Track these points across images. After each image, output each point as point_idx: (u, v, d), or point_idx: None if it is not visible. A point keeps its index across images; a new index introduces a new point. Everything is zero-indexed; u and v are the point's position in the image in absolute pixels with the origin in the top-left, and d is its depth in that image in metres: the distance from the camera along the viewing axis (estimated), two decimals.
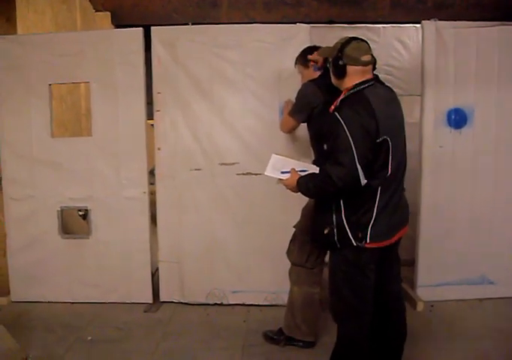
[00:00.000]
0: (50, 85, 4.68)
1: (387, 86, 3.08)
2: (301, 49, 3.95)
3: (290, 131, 4.07)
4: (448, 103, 4.48)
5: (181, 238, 4.63)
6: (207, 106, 4.49)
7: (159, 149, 4.57)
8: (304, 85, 3.68)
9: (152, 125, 4.74)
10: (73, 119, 6.00)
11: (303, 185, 2.97)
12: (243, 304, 4.63)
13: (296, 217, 3.97)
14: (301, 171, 3.07)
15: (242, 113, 4.50)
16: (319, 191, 2.93)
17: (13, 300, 4.85)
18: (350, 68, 2.93)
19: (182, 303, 4.68)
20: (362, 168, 2.75)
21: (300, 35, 4.39)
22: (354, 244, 2.89)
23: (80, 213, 5.39)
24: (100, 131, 4.60)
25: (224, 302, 4.65)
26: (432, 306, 4.53)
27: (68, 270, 4.73)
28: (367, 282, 3.02)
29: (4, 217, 4.81)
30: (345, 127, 2.76)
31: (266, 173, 3.19)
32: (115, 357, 3.82)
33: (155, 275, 4.80)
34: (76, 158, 4.65)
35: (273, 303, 4.59)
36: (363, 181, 2.78)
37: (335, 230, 2.92)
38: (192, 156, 4.54)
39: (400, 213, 3.05)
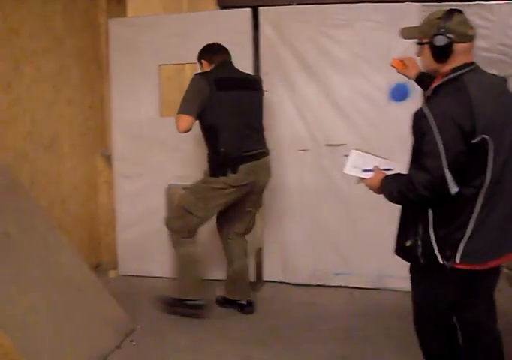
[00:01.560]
0: (160, 65, 4.79)
1: (494, 74, 2.59)
2: None
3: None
4: None
5: (286, 218, 4.65)
6: (314, 87, 4.46)
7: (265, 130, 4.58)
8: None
9: None
10: (179, 100, 6.10)
11: (387, 188, 2.56)
12: (346, 287, 4.61)
13: None
14: (385, 170, 2.67)
15: (349, 94, 4.45)
16: (402, 198, 2.48)
17: (120, 273, 5.03)
18: (457, 46, 2.40)
19: (284, 283, 4.72)
20: (452, 174, 2.30)
21: (410, 14, 4.26)
22: (441, 261, 2.43)
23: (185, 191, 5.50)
24: None
25: (327, 284, 4.64)
26: None
27: None
28: (446, 303, 2.62)
29: (115, 194, 4.98)
30: (434, 124, 2.29)
31: (345, 171, 2.79)
32: (218, 333, 3.89)
33: (258, 254, 4.84)
34: (184, 137, 4.71)
35: (376, 286, 4.55)
36: (453, 190, 2.32)
37: (419, 243, 2.50)
38: (299, 136, 4.54)
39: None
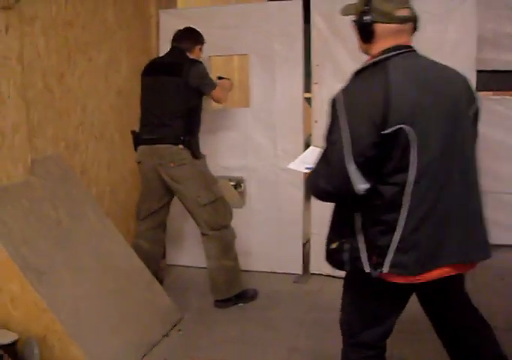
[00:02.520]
0: (210, 57, 4.80)
1: (443, 64, 2.22)
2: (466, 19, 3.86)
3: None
4: None
5: None
6: None
7: (316, 122, 4.57)
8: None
9: (307, 99, 4.74)
10: None
11: (307, 183, 2.34)
12: None
13: None
14: None
15: None
16: (314, 194, 2.21)
17: (168, 263, 5.08)
18: (379, 27, 2.12)
19: (331, 276, 4.69)
20: (361, 168, 2.01)
21: (466, 4, 4.18)
22: (366, 270, 2.09)
23: (232, 183, 5.53)
24: (257, 102, 4.66)
25: None
26: None
27: None
28: (380, 315, 2.30)
29: None
30: (343, 111, 2.03)
31: (289, 166, 2.69)
32: (265, 324, 3.90)
33: (305, 247, 4.84)
34: (232, 128, 4.75)
35: None
36: (360, 187, 2.02)
37: (345, 247, 2.15)
38: None
39: (458, 238, 2.10)
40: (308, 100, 4.93)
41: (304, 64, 4.58)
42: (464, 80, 2.20)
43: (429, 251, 2.07)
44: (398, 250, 2.04)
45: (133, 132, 4.24)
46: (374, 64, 2.12)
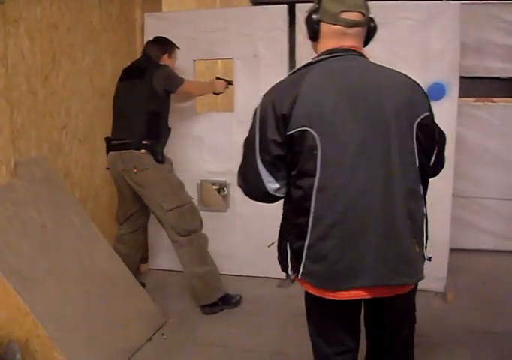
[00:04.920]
0: (195, 61, 4.80)
1: (385, 69, 2.14)
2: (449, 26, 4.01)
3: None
4: None
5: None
6: None
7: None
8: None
9: None
10: (210, 95, 6.12)
11: None
12: None
13: (433, 198, 3.90)
14: None
15: None
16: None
17: (151, 267, 5.07)
18: (324, 26, 2.10)
19: None
20: (267, 168, 2.03)
21: (449, 12, 4.20)
22: (289, 272, 2.12)
23: (215, 187, 5.54)
24: (241, 107, 4.66)
25: None
26: None
27: None
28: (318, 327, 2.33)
29: None
30: (259, 109, 2.09)
31: None
32: (248, 328, 3.90)
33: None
34: (217, 133, 4.75)
35: None
36: (270, 186, 2.05)
37: (279, 247, 2.19)
38: None
39: (374, 258, 1.96)
40: None
41: (289, 69, 4.58)
42: (411, 89, 2.10)
43: (338, 267, 1.97)
44: (307, 257, 2.00)
45: (106, 138, 4.26)
46: (305, 65, 2.12)
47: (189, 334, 3.81)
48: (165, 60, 4.29)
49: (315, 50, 2.21)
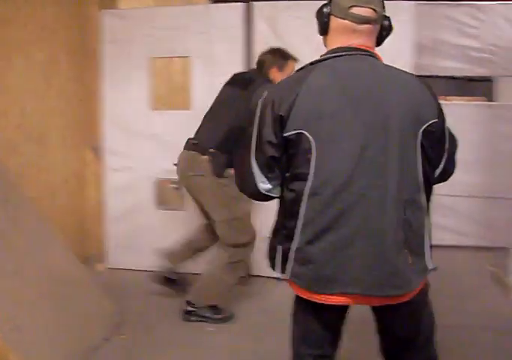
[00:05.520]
0: (151, 58, 4.78)
1: (394, 72, 2.04)
2: (404, 27, 4.03)
3: None
4: None
5: (273, 213, 4.63)
6: None
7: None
8: None
9: None
10: (167, 93, 6.10)
11: None
12: None
13: None
14: None
15: None
16: None
17: (109, 267, 5.03)
18: (333, 21, 2.01)
19: (272, 278, 4.70)
20: (259, 166, 2.00)
21: (404, 12, 4.29)
22: (277, 271, 2.09)
23: (173, 185, 5.51)
24: (199, 105, 4.64)
25: None
26: None
27: (163, 240, 4.82)
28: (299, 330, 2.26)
29: (103, 187, 4.97)
30: (259, 107, 2.01)
31: None
32: (207, 327, 3.89)
33: None
34: (173, 131, 4.73)
35: None
36: (262, 186, 2.03)
37: (269, 245, 2.16)
38: None
39: (362, 266, 1.92)
40: None
41: (246, 67, 4.60)
42: (420, 94, 1.99)
43: (325, 272, 1.93)
44: (295, 259, 1.97)
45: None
46: (312, 63, 2.03)
47: (147, 333, 3.77)
48: (274, 73, 3.90)
49: (324, 44, 2.10)
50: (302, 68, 2.06)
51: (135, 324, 3.90)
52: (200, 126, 3.99)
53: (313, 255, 1.93)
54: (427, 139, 1.96)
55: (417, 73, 4.35)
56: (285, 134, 1.91)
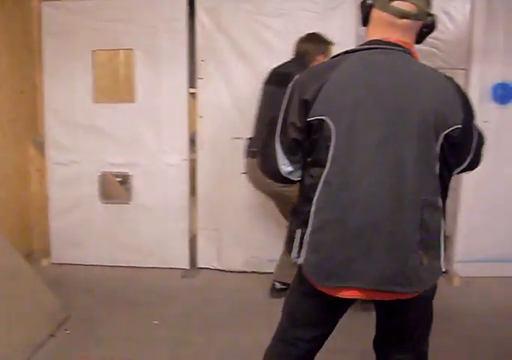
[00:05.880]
0: (94, 51, 4.72)
1: (424, 69, 2.00)
2: (345, 19, 4.13)
3: None
4: (494, 78, 4.39)
5: (220, 205, 4.68)
6: (250, 75, 4.47)
7: (201, 117, 4.60)
8: None
9: (193, 94, 4.76)
10: (112, 86, 6.04)
11: None
12: None
13: None
14: None
15: None
16: None
17: (53, 262, 4.97)
18: (374, 12, 2.00)
19: (218, 270, 4.75)
20: (284, 150, 2.03)
21: (346, 5, 4.35)
22: (293, 255, 2.05)
23: (118, 179, 5.48)
24: (142, 98, 4.64)
25: (261, 270, 4.69)
26: (468, 281, 4.51)
27: (108, 234, 4.82)
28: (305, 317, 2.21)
29: (47, 181, 4.90)
30: (289, 90, 2.04)
31: None
32: (153, 319, 3.88)
33: (192, 242, 4.87)
34: (118, 124, 4.70)
35: None
36: (284, 168, 2.06)
37: (288, 229, 2.19)
38: (233, 124, 4.55)
39: (372, 260, 1.91)
40: (194, 96, 4.95)
41: (189, 60, 4.59)
42: (451, 98, 1.94)
43: (330, 263, 1.94)
44: (308, 245, 1.97)
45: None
46: (345, 52, 2.02)
47: (93, 328, 3.75)
48: (320, 60, 3.72)
49: (365, 34, 2.08)
50: (335, 56, 2.06)
51: (80, 319, 3.86)
52: (253, 131, 3.95)
53: (319, 244, 1.95)
54: (448, 143, 1.94)
55: None
56: (309, 119, 1.93)
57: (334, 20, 4.33)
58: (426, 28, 2.03)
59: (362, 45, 2.02)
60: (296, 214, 2.10)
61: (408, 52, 2.00)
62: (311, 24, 4.36)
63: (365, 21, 2.05)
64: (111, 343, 3.55)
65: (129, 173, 4.74)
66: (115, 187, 5.21)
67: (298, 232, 2.02)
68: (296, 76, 2.05)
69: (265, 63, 4.44)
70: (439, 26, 5.05)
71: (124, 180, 4.97)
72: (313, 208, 1.94)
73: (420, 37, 2.06)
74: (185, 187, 4.70)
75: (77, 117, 4.72)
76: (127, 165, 4.70)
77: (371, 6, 2.00)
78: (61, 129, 4.77)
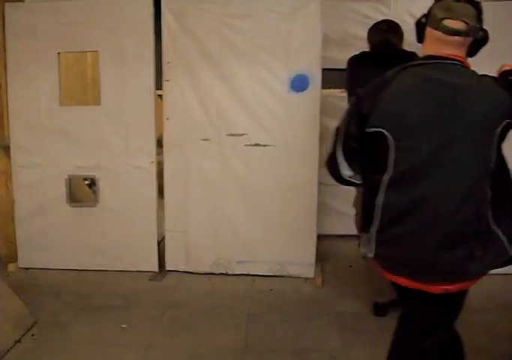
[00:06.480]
0: (59, 53, 4.67)
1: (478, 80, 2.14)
2: (311, 20, 4.15)
3: None
4: None
5: (187, 207, 4.66)
6: (216, 76, 4.47)
7: (167, 119, 4.58)
8: None
9: (160, 96, 4.75)
10: (79, 88, 6.00)
11: None
12: (248, 275, 4.67)
13: (300, 187, 4.09)
14: None
15: (250, 84, 4.48)
16: None
17: (20, 266, 4.90)
18: (428, 31, 2.21)
19: (187, 272, 4.73)
20: (345, 156, 2.27)
21: (311, 6, 4.34)
22: (362, 250, 2.33)
23: (86, 182, 5.45)
24: (108, 100, 4.60)
25: (229, 272, 4.69)
26: None
27: (75, 238, 4.78)
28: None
29: (13, 185, 4.84)
30: (350, 104, 2.35)
31: None
32: (121, 323, 3.86)
33: (160, 244, 4.85)
34: (84, 127, 4.65)
35: (278, 274, 4.64)
36: (345, 173, 2.30)
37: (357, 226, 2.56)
38: (200, 126, 4.54)
39: (429, 254, 2.12)
40: (161, 98, 4.94)
41: (156, 62, 4.57)
42: (498, 99, 2.11)
43: (396, 256, 2.19)
44: (376, 241, 2.22)
45: None
46: (403, 67, 2.22)
47: (61, 333, 3.72)
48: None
49: (422, 50, 2.28)
50: (393, 70, 2.24)
51: (48, 324, 3.84)
52: None
53: (386, 240, 2.20)
54: (501, 137, 2.11)
55: (324, 66, 4.51)
56: (367, 130, 2.16)
57: (299, 21, 4.33)
58: (477, 43, 2.20)
59: (418, 60, 2.23)
60: (361, 213, 2.38)
61: (461, 64, 2.17)
62: (277, 25, 4.37)
63: (420, 38, 2.28)
64: (78, 348, 3.54)
65: (96, 176, 4.70)
66: (83, 190, 5.18)
67: (364, 230, 2.29)
68: (359, 91, 2.28)
69: (231, 64, 4.46)
70: (404, 27, 5.13)
71: (91, 183, 4.94)
72: (379, 209, 2.18)
73: (472, 51, 2.23)
74: (152, 190, 4.66)
75: (43, 119, 4.67)
76: (93, 168, 4.66)
77: (425, 24, 2.21)
78: (26, 131, 4.70)
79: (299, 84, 4.38)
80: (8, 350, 3.43)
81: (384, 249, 2.22)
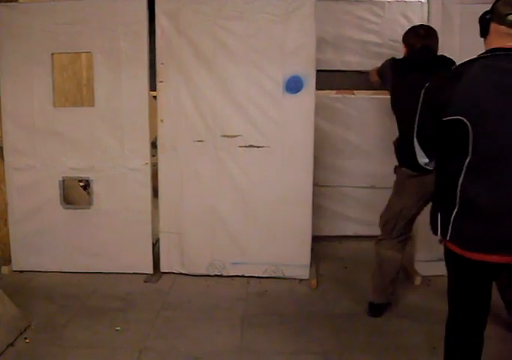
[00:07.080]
0: (53, 54, 4.65)
1: None
2: (305, 22, 4.10)
3: None
4: None
5: (182, 209, 4.65)
6: (210, 78, 4.46)
7: (162, 121, 4.57)
8: None
9: (154, 97, 4.74)
10: (73, 89, 5.98)
11: None
12: (243, 276, 4.66)
13: (294, 188, 4.09)
14: None
15: (245, 85, 4.47)
16: None
17: (14, 269, 4.87)
18: (493, 26, 2.37)
19: (182, 274, 4.72)
20: (420, 144, 2.51)
21: (305, 8, 4.34)
22: (436, 234, 2.52)
23: (81, 184, 5.43)
24: (102, 102, 4.58)
25: (224, 274, 4.68)
26: (429, 280, 4.57)
27: (70, 240, 4.76)
28: (462, 290, 2.59)
29: (6, 187, 4.82)
30: (422, 95, 2.46)
31: None
32: (116, 326, 3.85)
33: (155, 246, 4.84)
34: (78, 128, 4.64)
35: (273, 275, 4.63)
36: (421, 160, 2.55)
37: (431, 212, 2.58)
38: (194, 128, 4.53)
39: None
40: (155, 99, 4.92)
41: (151, 63, 4.56)
42: None
43: (479, 234, 2.33)
44: (456, 221, 2.36)
45: None
46: (468, 61, 2.36)
47: (54, 336, 3.70)
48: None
49: (484, 44, 2.43)
50: (459, 66, 2.41)
51: (41, 327, 3.83)
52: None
53: (467, 220, 2.34)
54: None
55: (319, 68, 4.51)
56: (444, 119, 2.31)
57: (294, 23, 4.32)
58: None
59: (484, 53, 2.37)
60: (438, 199, 2.53)
61: None
62: (272, 27, 4.37)
63: (483, 33, 2.43)
64: (72, 351, 3.52)
65: (90, 178, 4.69)
66: (77, 192, 5.16)
67: (440, 215, 2.45)
68: (428, 83, 2.45)
69: (225, 65, 4.45)
70: (398, 29, 5.13)
71: (86, 185, 4.92)
72: (458, 193, 2.33)
73: None
74: (147, 191, 4.65)
75: (36, 121, 4.64)
76: (88, 170, 4.65)
77: (489, 20, 2.38)
78: (20, 133, 4.68)
79: (293, 85, 4.38)
80: (0, 354, 3.40)
81: (466, 228, 2.36)
